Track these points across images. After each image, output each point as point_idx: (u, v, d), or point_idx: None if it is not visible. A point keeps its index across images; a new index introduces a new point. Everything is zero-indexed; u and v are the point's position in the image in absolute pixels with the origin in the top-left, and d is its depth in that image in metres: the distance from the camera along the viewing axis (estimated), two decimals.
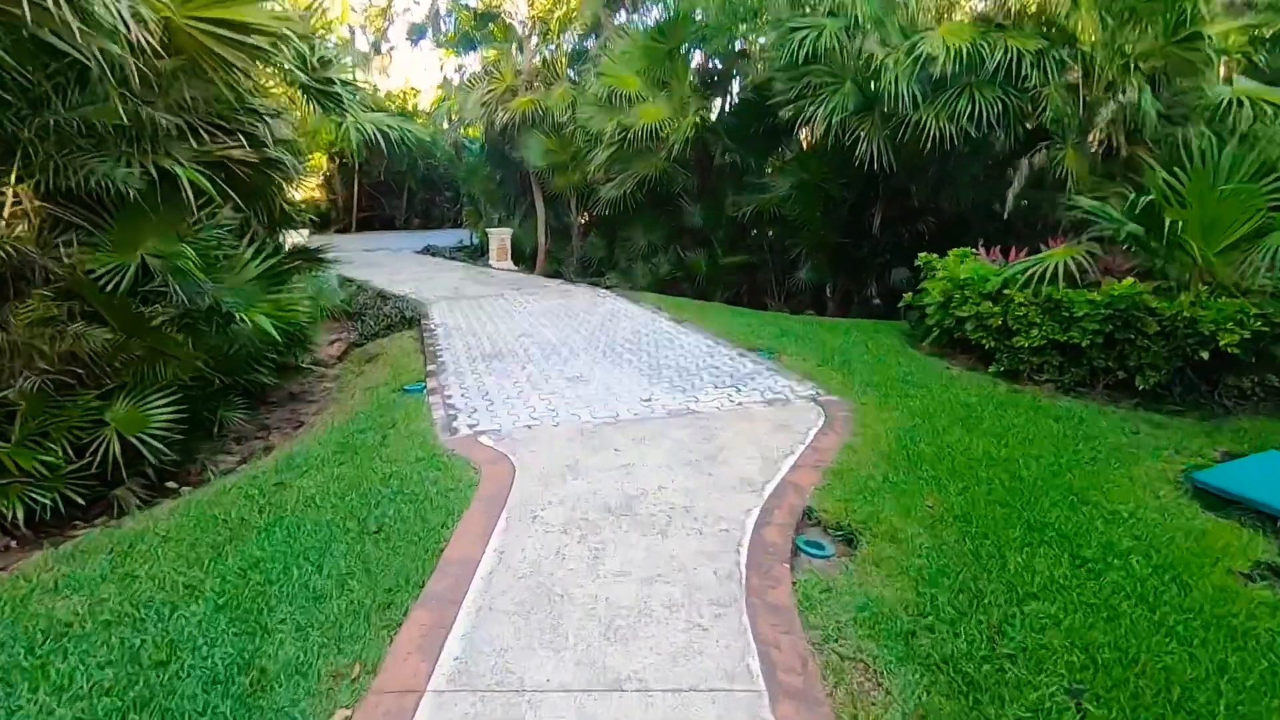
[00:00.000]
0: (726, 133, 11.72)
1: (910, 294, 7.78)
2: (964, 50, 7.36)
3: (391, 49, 23.10)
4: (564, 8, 13.85)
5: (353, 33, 22.79)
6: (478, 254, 19.12)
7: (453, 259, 18.00)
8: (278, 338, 4.95)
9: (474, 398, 5.81)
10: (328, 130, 25.67)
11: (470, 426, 5.08)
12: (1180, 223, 5.09)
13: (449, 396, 5.85)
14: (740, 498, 3.84)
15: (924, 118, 7.75)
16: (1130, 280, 5.24)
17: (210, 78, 4.60)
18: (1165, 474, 4.22)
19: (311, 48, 6.33)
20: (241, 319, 4.78)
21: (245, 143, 5.24)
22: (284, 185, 7.62)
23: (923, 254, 7.52)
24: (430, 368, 6.83)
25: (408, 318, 9.60)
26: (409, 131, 7.73)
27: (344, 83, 6.94)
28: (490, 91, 14.34)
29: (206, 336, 5.07)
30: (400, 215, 27.35)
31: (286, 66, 5.83)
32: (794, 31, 8.34)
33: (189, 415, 4.94)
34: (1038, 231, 9.37)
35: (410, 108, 26.00)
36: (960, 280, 6.35)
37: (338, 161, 24.96)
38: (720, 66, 11.92)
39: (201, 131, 4.83)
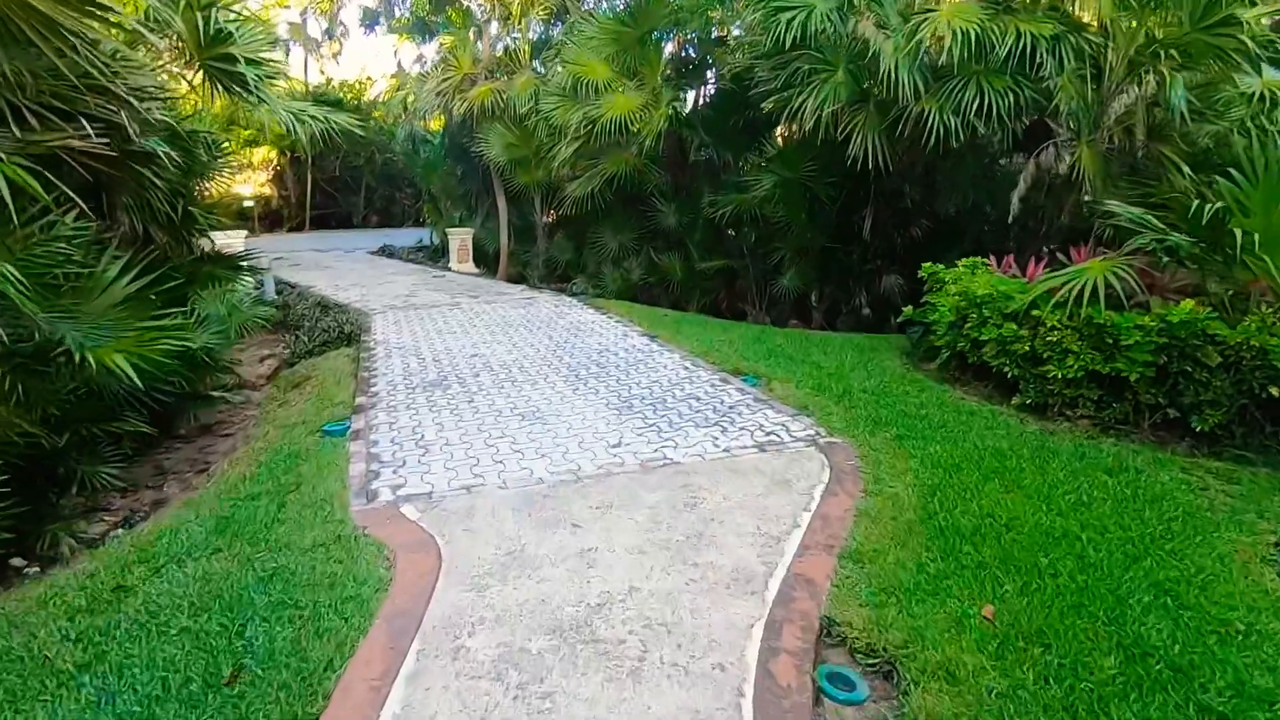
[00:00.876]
0: (703, 126, 10.78)
1: (910, 307, 6.94)
2: (972, 34, 6.51)
3: (343, 34, 21.74)
4: None
5: (305, 16, 21.41)
6: (438, 255, 17.97)
7: (410, 261, 16.82)
8: (138, 382, 3.87)
9: (405, 443, 4.79)
10: (277, 123, 24.17)
11: (394, 489, 4.06)
12: (1255, 236, 4.28)
13: (375, 442, 4.82)
14: (738, 605, 2.90)
15: (926, 110, 6.89)
16: (1190, 303, 4.42)
17: (47, 46, 3.51)
18: (1257, 549, 3.39)
19: (206, 19, 5.22)
20: (86, 359, 3.69)
21: (106, 131, 4.14)
22: (186, 183, 6.55)
23: (927, 264, 6.67)
24: (360, 400, 5.78)
25: (347, 333, 8.49)
26: (335, 121, 6.61)
27: (252, 62, 5.83)
28: (446, 80, 13.20)
29: (52, 380, 3.97)
30: (358, 213, 25.95)
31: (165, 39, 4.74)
32: (779, 12, 7.41)
33: (46, 472, 3.86)
34: (1040, 237, 8.63)
35: (367, 99, 24.61)
36: (977, 297, 5.50)
37: (289, 156, 23.50)
38: (696, 54, 10.97)
39: (30, 116, 3.72)
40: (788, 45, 7.30)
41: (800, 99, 7.45)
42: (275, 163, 23.66)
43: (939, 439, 4.68)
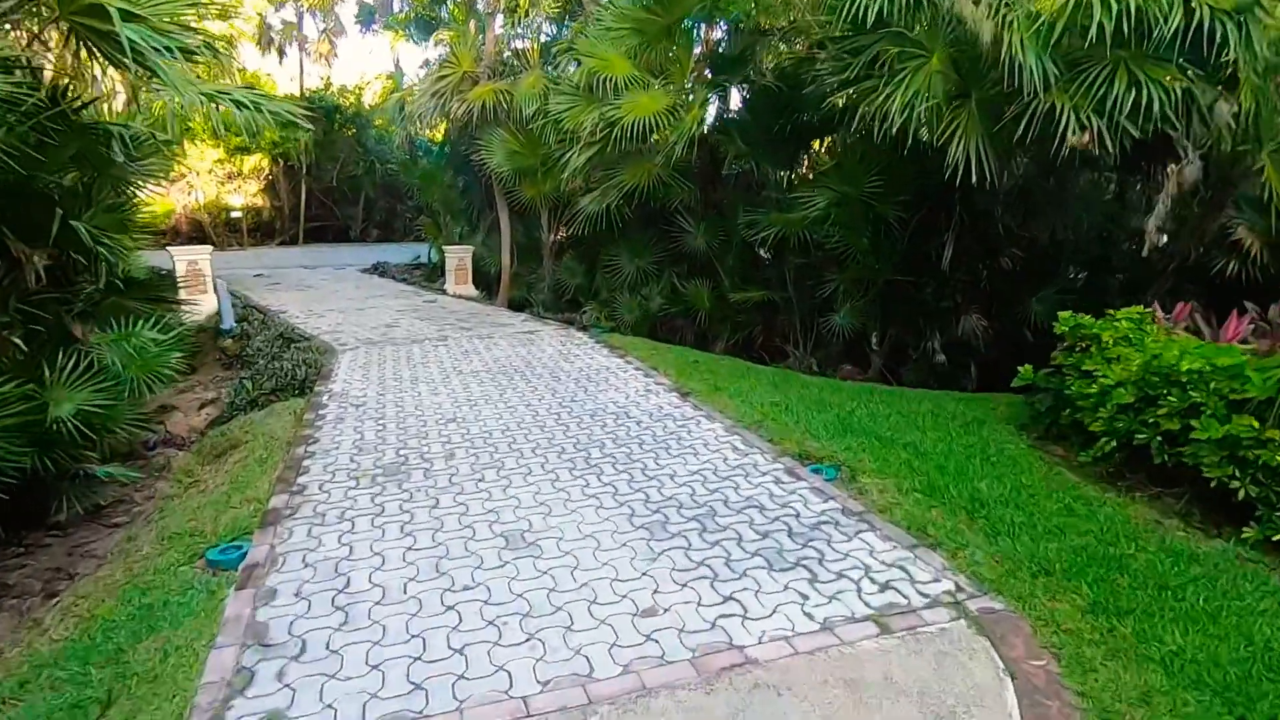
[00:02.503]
0: (739, 133, 9.11)
1: (1029, 368, 5.21)
2: (1130, 6, 4.81)
3: (336, 30, 20.27)
4: None
5: (300, 13, 19.99)
6: (435, 275, 16.35)
7: (402, 281, 15.20)
8: None
9: (318, 599, 3.05)
10: (271, 128, 22.73)
11: None
12: None
13: (272, 593, 3.09)
14: None
15: (1059, 107, 5.17)
16: None
17: None
18: None
19: None
20: None
21: None
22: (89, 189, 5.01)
23: (1065, 314, 4.93)
24: (276, 502, 4.05)
25: (301, 379, 6.80)
26: (267, 110, 4.96)
27: (154, 29, 4.19)
28: (444, 79, 11.63)
29: None
30: (356, 226, 24.41)
31: None
32: None
33: None
34: (1163, 275, 6.90)
35: (368, 104, 23.15)
36: (1177, 372, 3.74)
37: (281, 164, 22.03)
38: (734, 46, 9.30)
39: None
40: (870, 23, 5.61)
41: (882, 95, 5.74)
42: (267, 171, 22.19)
43: (1168, 613, 2.91)
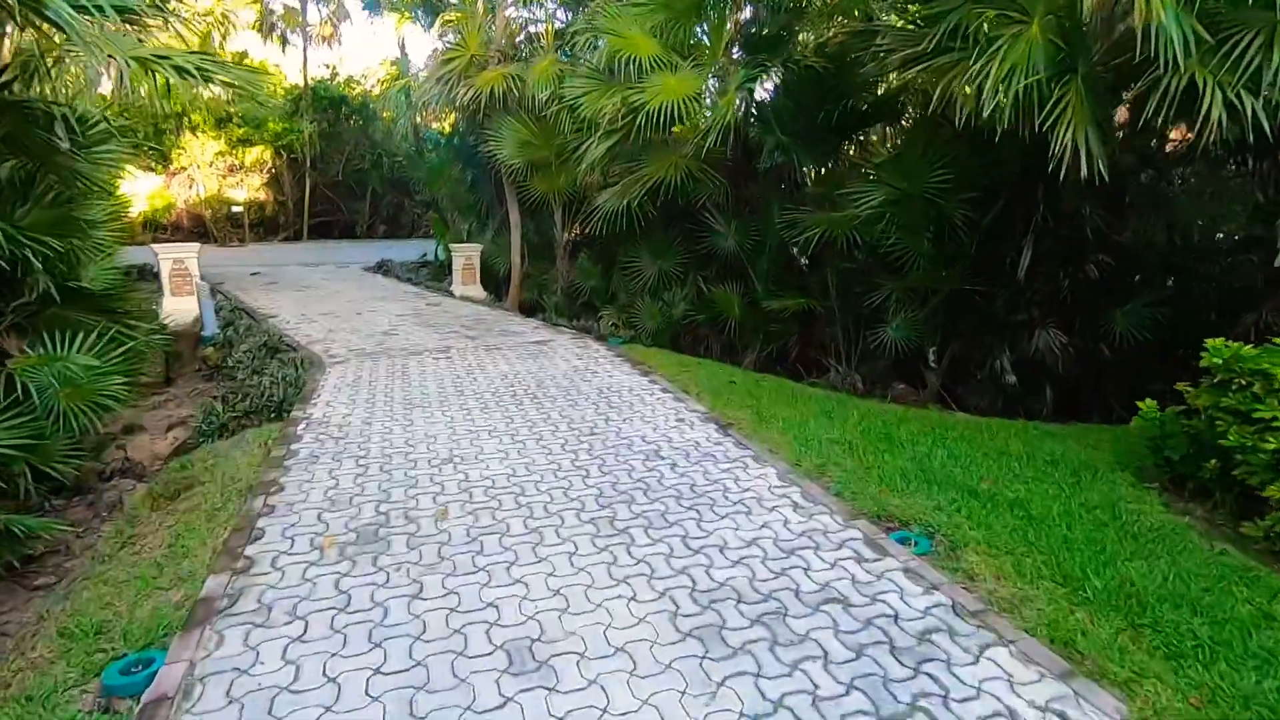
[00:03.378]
0: (778, 121, 8.11)
1: (1152, 403, 4.22)
2: None
3: (339, 15, 19.37)
4: None
5: (304, 2, 19.11)
6: (442, 274, 15.47)
7: (407, 280, 14.33)
8: None
9: None
10: (274, 119, 22.02)
11: None
12: None
13: None
14: None
15: (1203, 83, 4.15)
16: None
17: None
18: None
19: None
20: None
21: None
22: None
23: (1213, 341, 3.92)
24: (213, 585, 3.13)
25: (279, 401, 5.90)
26: (216, 77, 4.04)
27: None
28: (450, 63, 10.70)
29: None
30: (363, 222, 23.61)
31: None
32: None
33: None
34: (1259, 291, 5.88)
35: (374, 94, 22.27)
36: None
37: (285, 157, 21.22)
38: (772, 25, 8.28)
39: None
40: None
41: (970, 70, 4.74)
42: (271, 164, 21.40)
43: None
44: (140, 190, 20.34)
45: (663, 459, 4.56)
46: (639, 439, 4.93)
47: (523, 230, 12.10)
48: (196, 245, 10.86)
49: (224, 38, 12.57)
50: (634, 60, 7.73)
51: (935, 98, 5.01)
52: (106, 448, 6.26)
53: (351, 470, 4.35)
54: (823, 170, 8.46)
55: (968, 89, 4.90)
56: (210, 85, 3.99)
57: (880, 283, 7.47)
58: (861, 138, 8.65)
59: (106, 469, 5.89)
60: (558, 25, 11.92)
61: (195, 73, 3.83)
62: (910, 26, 5.44)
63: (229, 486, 4.30)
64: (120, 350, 4.92)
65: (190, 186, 21.11)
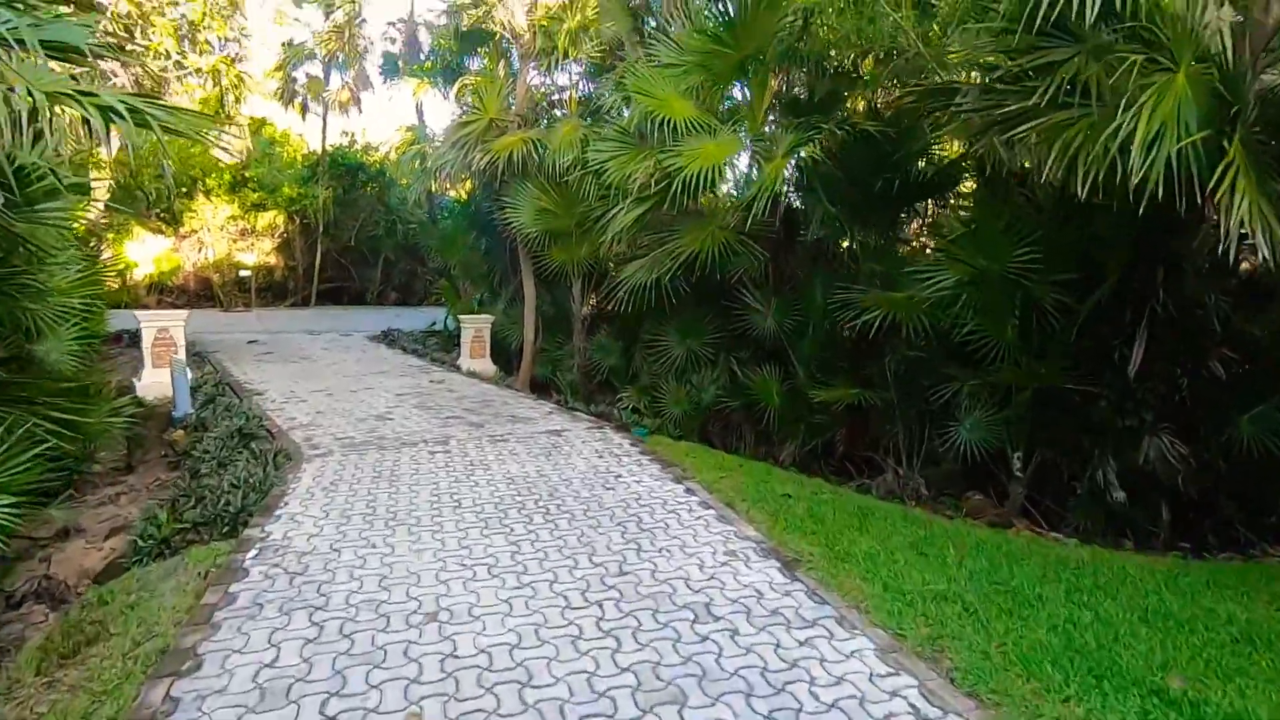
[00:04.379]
0: (826, 190, 7.27)
1: None
2: None
3: (360, 82, 19.25)
4: (576, 16, 9.75)
5: (327, 70, 19.07)
6: (451, 344, 14.62)
7: (413, 351, 13.44)
8: None
9: None
10: (290, 185, 21.78)
11: None
12: None
13: None
14: None
15: None
16: None
17: None
18: None
19: None
20: None
21: None
22: None
23: None
24: None
25: (236, 511, 4.83)
26: (157, 121, 3.15)
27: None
28: (467, 127, 10.10)
29: None
30: (373, 288, 23.04)
31: None
32: None
33: None
34: None
35: (390, 160, 22.05)
36: None
37: (298, 221, 20.83)
38: (819, 88, 7.53)
39: None
40: (1091, 17, 3.75)
41: (1112, 125, 3.82)
42: (283, 229, 21.00)
43: None
44: (148, 252, 19.91)
45: (716, 619, 3.42)
46: (682, 583, 3.80)
47: (537, 302, 11.25)
48: (184, 313, 10.04)
49: (237, 100, 12.13)
50: (668, 123, 6.97)
51: (1052, 159, 4.07)
52: (26, 559, 5.20)
53: (301, 633, 3.23)
54: (875, 244, 7.54)
55: (1069, 148, 3.98)
56: (149, 128, 3.10)
57: (951, 374, 6.43)
58: (922, 209, 7.79)
59: (16, 593, 4.80)
60: (581, 94, 11.44)
61: (126, 114, 2.95)
62: (997, 85, 4.60)
63: (136, 650, 3.20)
64: (26, 456, 3.89)
65: (200, 249, 20.69)
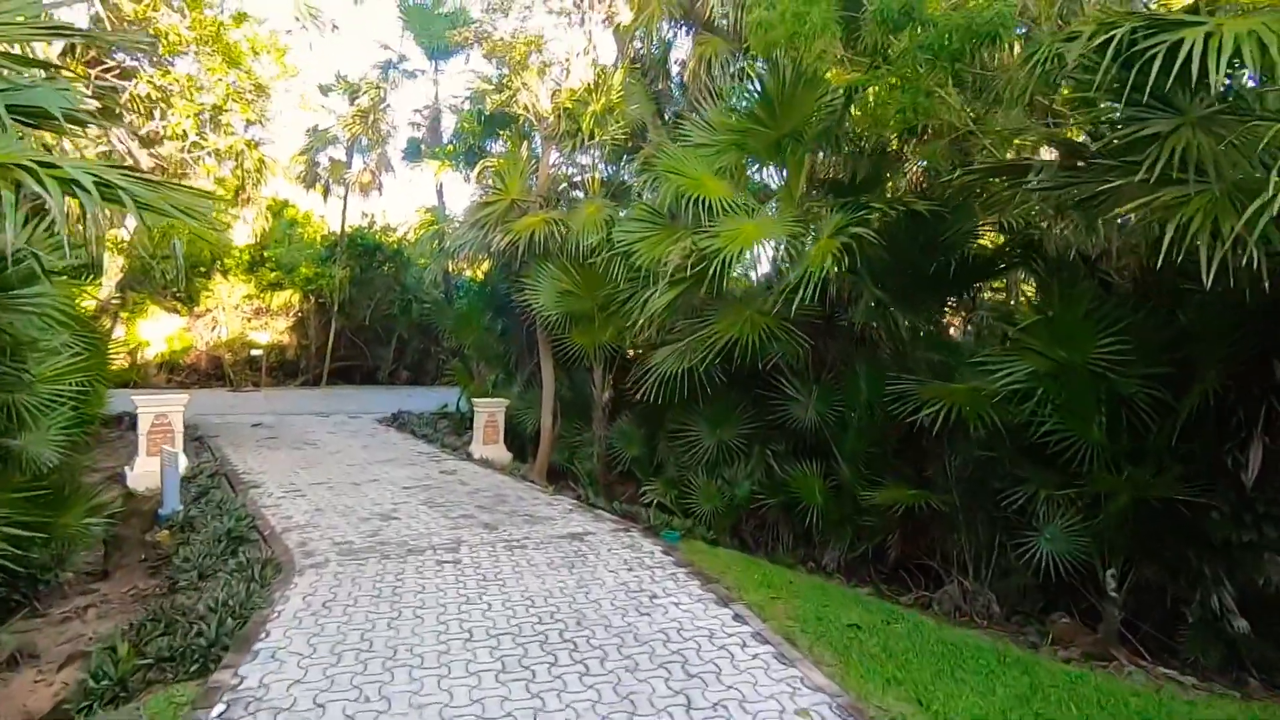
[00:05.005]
0: (871, 272, 6.77)
1: None
2: None
3: (385, 170, 19.48)
4: (600, 100, 9.63)
5: (350, 153, 19.36)
6: (463, 426, 14.01)
7: (423, 437, 12.80)
8: None
9: None
10: (307, 265, 21.82)
11: None
12: None
13: None
14: None
15: None
16: None
17: None
18: None
19: None
20: None
21: None
22: None
23: None
24: None
25: (207, 645, 4.10)
26: (118, 191, 2.66)
27: None
28: (488, 208, 9.84)
29: None
30: (385, 367, 22.67)
31: None
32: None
33: None
34: None
35: (409, 240, 22.12)
36: None
37: (313, 300, 20.71)
38: (860, 168, 7.16)
39: None
40: (1218, 84, 3.27)
41: (1268, 201, 3.27)
42: (298, 308, 20.86)
43: None
44: (160, 331, 19.74)
45: None
46: None
47: (555, 386, 10.69)
48: (184, 396, 9.54)
49: (258, 183, 12.07)
50: (701, 202, 6.57)
51: (1168, 240, 3.52)
52: None
53: None
54: (925, 330, 6.97)
55: (1182, 227, 3.44)
56: (118, 205, 2.62)
57: (1026, 477, 5.71)
58: (971, 292, 7.27)
59: None
60: (604, 175, 11.26)
61: (92, 188, 2.46)
62: (1092, 160, 4.13)
63: None
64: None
65: (213, 328, 20.51)
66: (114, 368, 19.05)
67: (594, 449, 10.20)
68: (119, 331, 19.20)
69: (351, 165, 19.28)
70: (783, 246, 6.14)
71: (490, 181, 9.94)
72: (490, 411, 11.67)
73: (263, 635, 4.19)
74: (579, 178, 11.84)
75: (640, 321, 6.99)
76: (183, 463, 9.16)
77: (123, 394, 10.77)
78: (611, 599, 4.88)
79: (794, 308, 5.88)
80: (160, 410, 9.14)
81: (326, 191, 19.82)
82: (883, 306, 6.73)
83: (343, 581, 5.14)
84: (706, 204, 6.60)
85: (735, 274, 7.18)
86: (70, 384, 6.89)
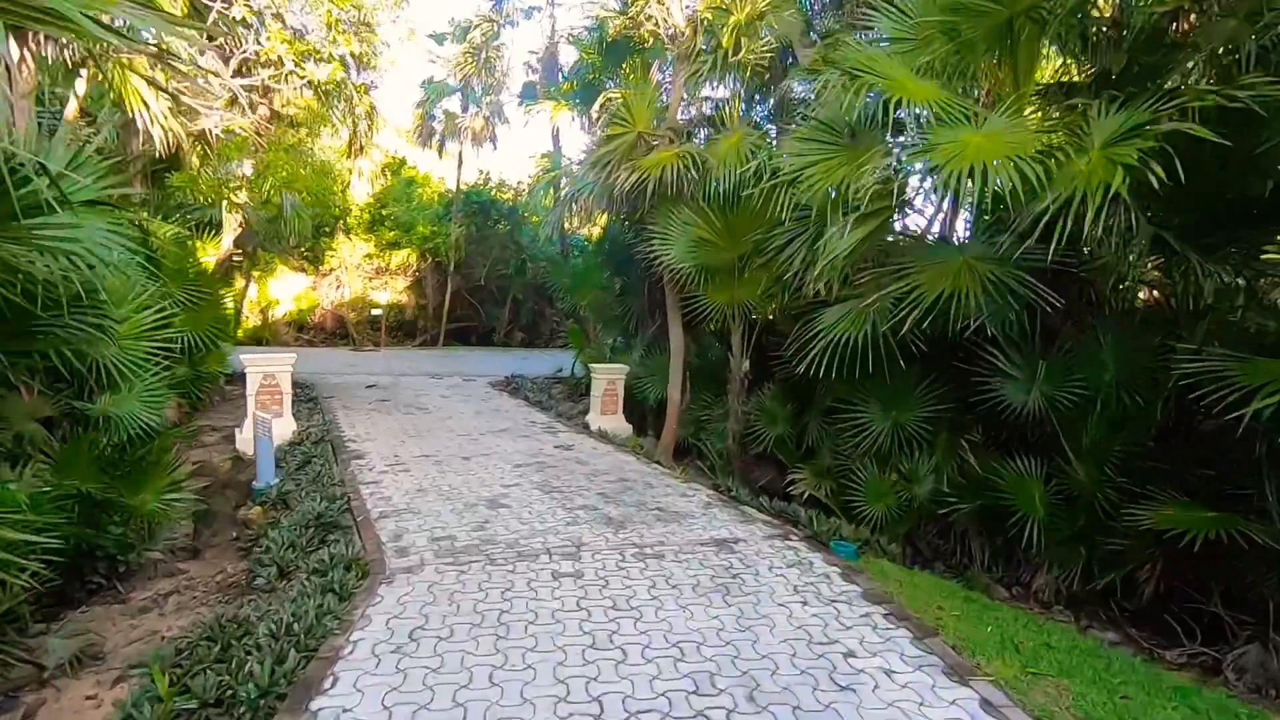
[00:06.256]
0: (1153, 201, 4.78)
1: None
2: None
3: (500, 121, 18.55)
4: (746, 7, 7.91)
5: (464, 101, 18.55)
6: (578, 392, 13.02)
7: (537, 404, 11.86)
8: None
9: None
10: (424, 223, 21.56)
11: None
12: None
13: None
14: None
15: None
16: None
17: None
18: None
19: None
20: None
21: None
22: None
23: None
24: None
25: (259, 692, 3.07)
26: None
27: None
28: (612, 142, 8.46)
29: None
30: (500, 328, 22.21)
31: None
32: None
33: None
34: None
35: (524, 194, 21.30)
36: None
37: (430, 259, 20.40)
38: (1126, 56, 5.13)
39: None
40: None
41: None
42: (416, 267, 20.66)
43: None
44: (289, 290, 20.14)
45: None
46: None
47: (684, 351, 9.31)
48: (291, 356, 8.93)
49: (370, 131, 11.35)
50: (904, 109, 4.82)
51: None
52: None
53: None
54: (1235, 283, 4.91)
55: None
56: None
57: None
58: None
59: None
60: (744, 108, 9.58)
61: None
62: None
63: None
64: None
65: (337, 288, 20.72)
66: (247, 325, 19.77)
67: (727, 425, 8.76)
68: (253, 290, 19.78)
69: (466, 114, 18.48)
70: (1022, 169, 4.31)
71: (616, 112, 8.51)
72: (609, 379, 10.49)
73: (327, 684, 3.11)
74: (714, 111, 10.22)
75: (809, 273, 5.39)
76: (289, 427, 8.64)
77: (253, 351, 10.47)
78: (791, 655, 3.47)
79: (1049, 253, 4.08)
80: (268, 370, 8.58)
81: (441, 147, 19.24)
82: (1167, 250, 4.76)
83: (437, 598, 4.03)
84: (911, 111, 4.86)
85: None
86: (168, 341, 6.28)
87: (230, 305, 11.11)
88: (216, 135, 7.99)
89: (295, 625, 3.51)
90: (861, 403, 6.87)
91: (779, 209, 5.97)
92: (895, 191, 4.65)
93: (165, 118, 6.30)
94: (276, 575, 4.58)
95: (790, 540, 5.31)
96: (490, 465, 7.31)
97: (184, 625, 4.75)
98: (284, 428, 8.59)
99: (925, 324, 4.94)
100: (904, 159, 4.45)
